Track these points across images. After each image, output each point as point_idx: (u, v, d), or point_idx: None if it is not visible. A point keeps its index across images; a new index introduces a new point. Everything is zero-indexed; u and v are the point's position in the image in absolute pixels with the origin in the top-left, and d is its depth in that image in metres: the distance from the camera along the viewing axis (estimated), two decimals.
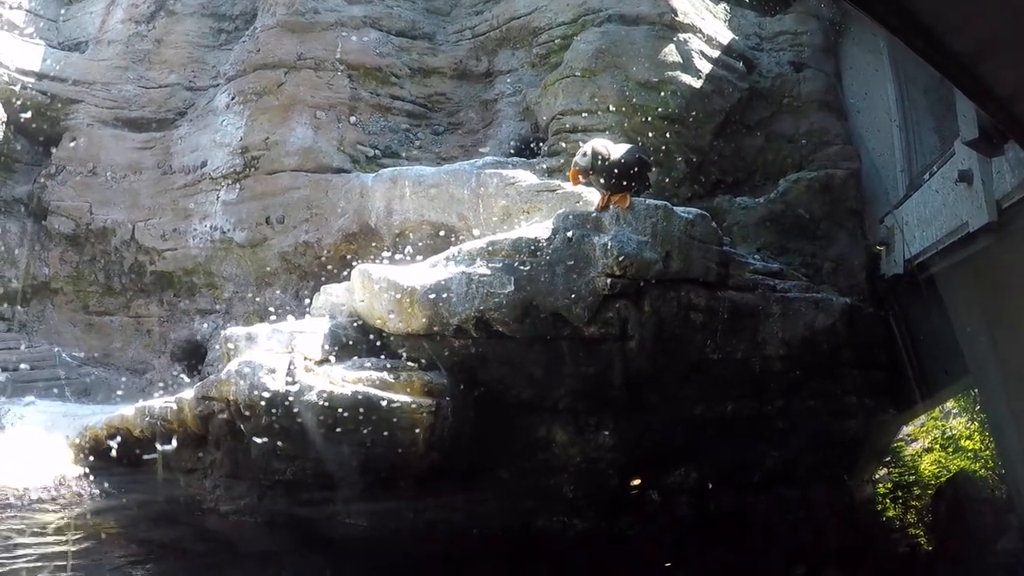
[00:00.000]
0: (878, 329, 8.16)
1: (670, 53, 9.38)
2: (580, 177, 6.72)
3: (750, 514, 7.42)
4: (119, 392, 9.74)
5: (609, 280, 6.46)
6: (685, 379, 7.15)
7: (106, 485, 7.31)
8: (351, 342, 6.83)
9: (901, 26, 2.57)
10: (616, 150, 6.76)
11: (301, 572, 6.17)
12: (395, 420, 6.13)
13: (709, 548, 6.86)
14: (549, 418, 6.88)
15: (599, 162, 6.60)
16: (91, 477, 7.36)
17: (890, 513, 8.68)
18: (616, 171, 6.66)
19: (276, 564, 6.26)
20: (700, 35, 9.75)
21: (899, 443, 9.93)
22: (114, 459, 7.19)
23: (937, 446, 9.77)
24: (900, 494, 9.00)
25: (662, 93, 9.21)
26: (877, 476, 9.24)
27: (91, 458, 7.40)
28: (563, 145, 8.95)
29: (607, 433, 6.95)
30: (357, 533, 6.56)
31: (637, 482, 7.28)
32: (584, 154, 6.65)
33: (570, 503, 6.97)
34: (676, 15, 9.59)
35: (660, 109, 9.14)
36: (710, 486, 7.38)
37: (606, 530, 6.98)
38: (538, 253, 6.59)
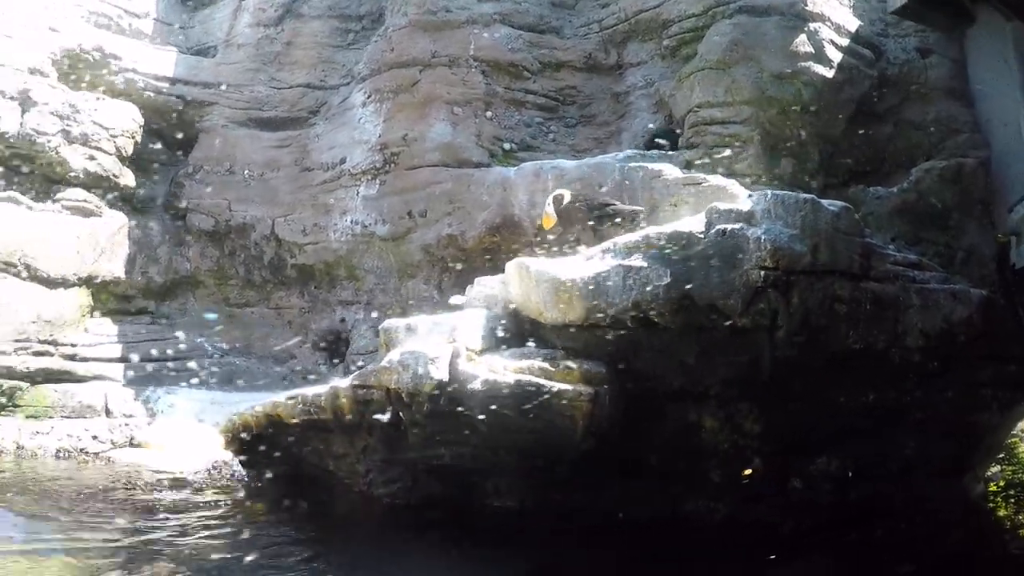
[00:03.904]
0: (1011, 321, 8.05)
1: (802, 44, 9.36)
2: (552, 220, 7.65)
3: (886, 504, 7.38)
4: (264, 381, 10.09)
5: (762, 272, 6.52)
6: (828, 369, 7.14)
7: (257, 470, 7.53)
8: (506, 333, 6.95)
9: None
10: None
11: (453, 544, 6.25)
12: (555, 408, 6.22)
13: (843, 538, 6.84)
14: (699, 406, 6.91)
15: (561, 203, 7.56)
16: (242, 462, 7.62)
17: (1001, 512, 8.52)
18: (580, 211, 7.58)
19: (427, 543, 6.37)
20: (829, 24, 9.70)
21: (1013, 439, 9.73)
22: (265, 444, 7.39)
23: None
24: (1012, 493, 8.83)
25: (796, 84, 9.22)
26: (990, 473, 9.07)
27: (242, 444, 7.52)
28: (701, 138, 9.04)
29: (754, 420, 6.99)
30: (506, 514, 6.67)
31: (780, 468, 7.30)
32: (548, 204, 7.58)
33: (716, 488, 7.02)
34: (805, 4, 9.56)
35: (794, 100, 9.15)
36: (850, 475, 7.37)
37: (748, 515, 7.01)
38: (693, 246, 6.66)
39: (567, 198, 7.63)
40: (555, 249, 7.63)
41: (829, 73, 9.39)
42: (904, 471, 7.51)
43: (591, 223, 7.65)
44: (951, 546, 7.04)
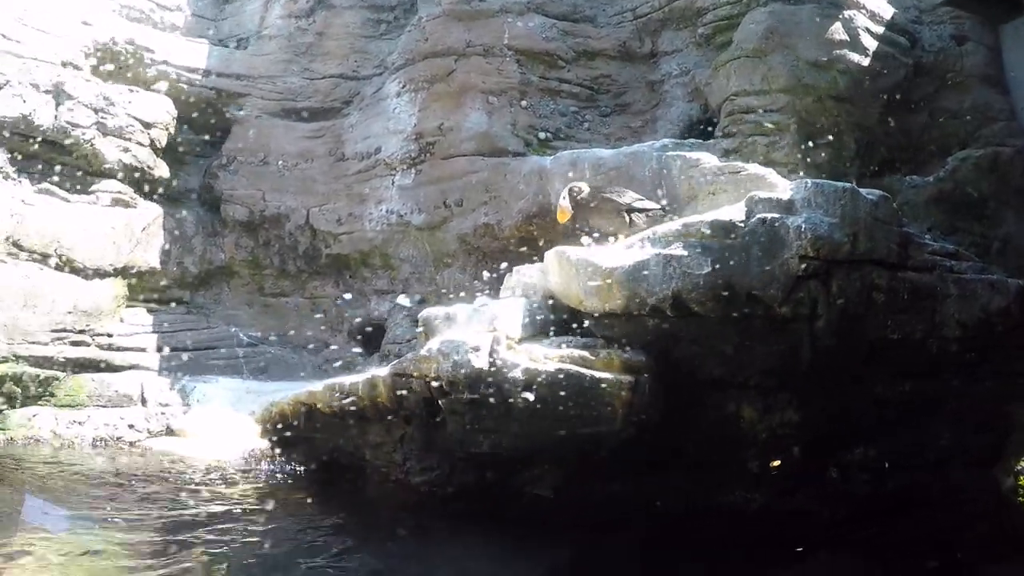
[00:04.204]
0: None
1: (837, 31, 9.32)
2: (567, 214, 7.60)
3: (922, 495, 7.35)
4: (299, 371, 10.15)
5: (803, 261, 6.49)
6: (867, 358, 7.11)
7: (293, 459, 7.55)
8: (544, 321, 6.97)
9: None
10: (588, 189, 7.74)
11: (490, 532, 6.26)
12: (596, 396, 6.21)
13: (877, 529, 6.81)
14: (737, 395, 6.88)
15: (578, 197, 7.55)
16: (278, 451, 7.64)
17: None
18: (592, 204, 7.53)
19: (464, 532, 6.38)
20: (864, 11, 9.64)
21: None
22: (301, 433, 7.40)
23: None
24: None
25: (831, 72, 9.17)
26: (1020, 466, 9.00)
27: (278, 433, 7.53)
28: (738, 127, 9.04)
29: (793, 410, 6.97)
30: (542, 503, 6.67)
31: (817, 459, 7.28)
32: (563, 196, 7.53)
33: (754, 478, 7.01)
34: None
35: (830, 88, 9.12)
36: (887, 465, 7.33)
37: (784, 506, 6.99)
38: (733, 235, 6.64)
39: (584, 191, 7.64)
40: (592, 239, 7.62)
41: (865, 61, 9.34)
42: (941, 462, 7.48)
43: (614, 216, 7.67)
44: (981, 542, 6.99)
